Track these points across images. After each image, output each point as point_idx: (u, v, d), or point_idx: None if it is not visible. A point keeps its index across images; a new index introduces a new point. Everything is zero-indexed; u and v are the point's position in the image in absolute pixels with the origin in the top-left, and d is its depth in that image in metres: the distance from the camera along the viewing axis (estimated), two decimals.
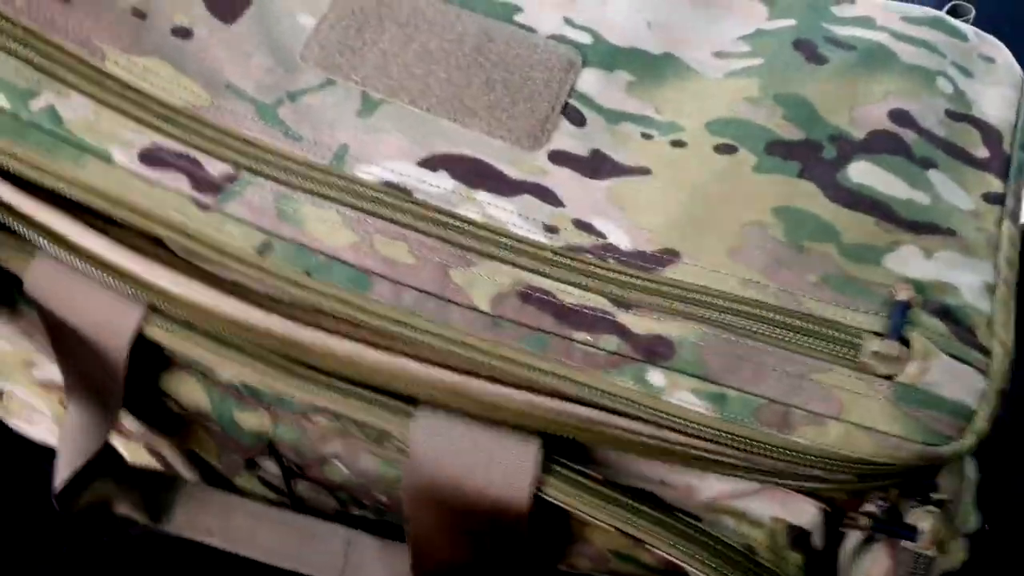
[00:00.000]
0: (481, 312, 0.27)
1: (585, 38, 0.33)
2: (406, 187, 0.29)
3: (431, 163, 0.30)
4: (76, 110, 0.29)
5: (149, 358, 0.32)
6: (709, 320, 0.27)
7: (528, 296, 0.28)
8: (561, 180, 0.30)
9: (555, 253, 0.28)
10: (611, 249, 0.29)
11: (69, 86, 0.29)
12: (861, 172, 0.30)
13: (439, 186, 0.29)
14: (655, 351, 0.27)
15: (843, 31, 0.33)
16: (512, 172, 0.30)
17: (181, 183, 0.28)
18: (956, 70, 0.33)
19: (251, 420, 0.33)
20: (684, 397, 0.26)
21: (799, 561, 0.30)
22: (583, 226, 0.29)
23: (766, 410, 0.26)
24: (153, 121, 0.29)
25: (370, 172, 0.29)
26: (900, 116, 0.31)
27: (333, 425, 0.32)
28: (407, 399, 0.29)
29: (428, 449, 0.29)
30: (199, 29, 0.31)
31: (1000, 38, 0.36)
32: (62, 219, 0.29)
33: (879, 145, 0.31)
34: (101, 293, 0.30)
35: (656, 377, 0.27)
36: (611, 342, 0.27)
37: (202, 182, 0.29)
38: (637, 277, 0.28)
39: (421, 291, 0.28)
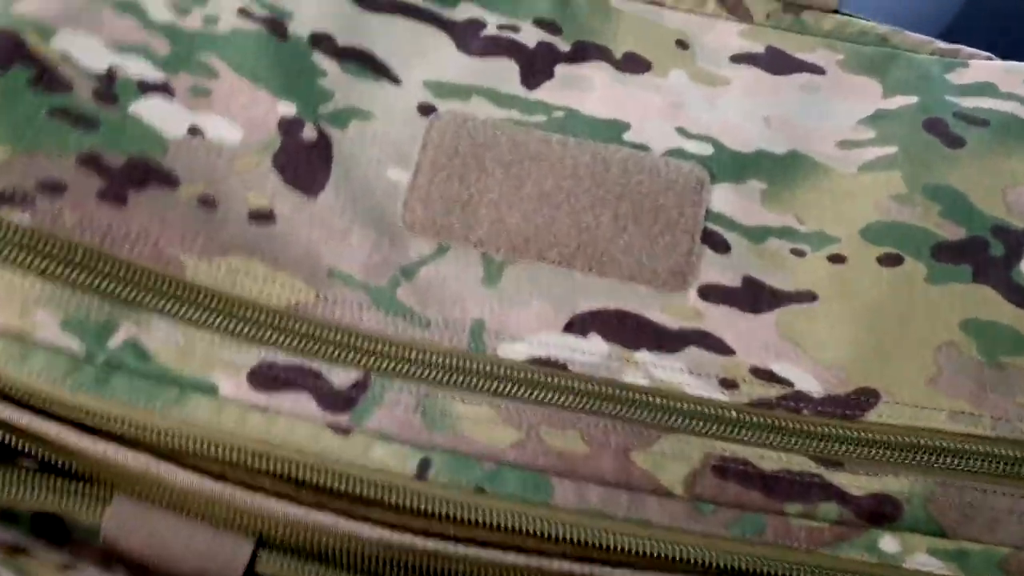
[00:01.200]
0: (678, 498, 0.24)
1: (706, 149, 0.29)
2: (559, 360, 0.25)
3: (579, 327, 0.26)
4: (163, 339, 0.24)
5: None
6: (929, 466, 0.25)
7: (725, 470, 0.24)
8: (721, 321, 0.26)
9: (740, 412, 0.25)
10: (802, 398, 0.25)
11: (149, 310, 0.25)
12: None
13: (594, 353, 0.26)
14: (882, 513, 0.24)
15: (968, 103, 0.30)
16: (667, 321, 0.26)
17: (305, 404, 0.24)
18: None
19: None
20: (923, 560, 0.24)
21: None
22: (763, 374, 0.26)
23: (1013, 560, 0.24)
24: (256, 333, 0.25)
25: (515, 350, 0.25)
26: None
27: None
28: None
29: None
30: (281, 208, 0.27)
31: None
32: (149, 459, 0.24)
33: None
34: (200, 535, 0.25)
35: (889, 543, 0.24)
36: (831, 511, 0.24)
37: (330, 398, 0.24)
38: (839, 427, 0.25)
39: (606, 484, 0.24)
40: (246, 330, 0.25)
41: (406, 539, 0.24)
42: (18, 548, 0.31)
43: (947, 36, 0.36)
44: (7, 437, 0.25)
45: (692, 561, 0.24)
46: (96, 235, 0.25)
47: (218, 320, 0.25)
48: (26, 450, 0.26)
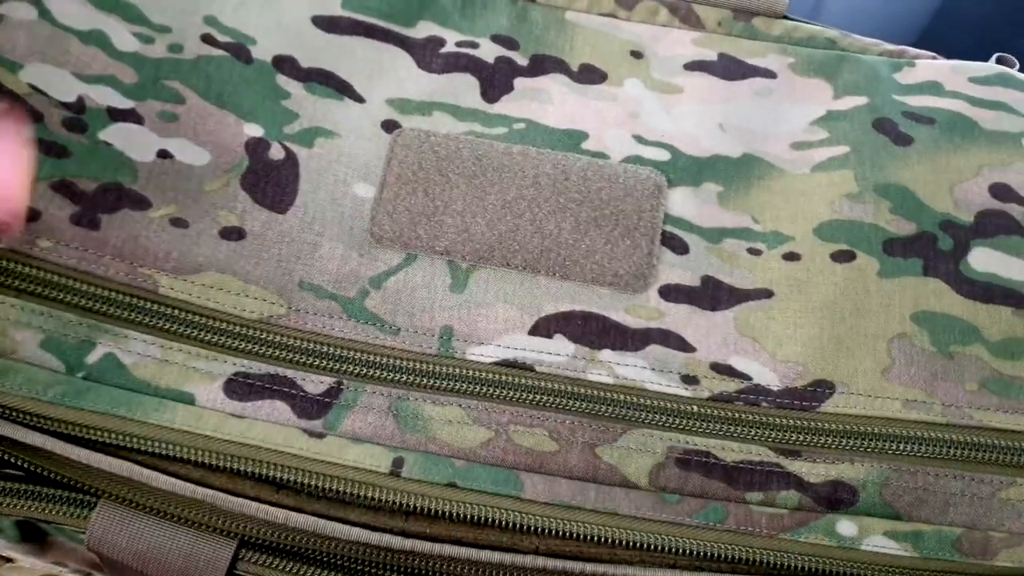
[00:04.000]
0: (643, 489, 0.25)
1: (662, 155, 0.30)
2: (526, 363, 0.26)
3: (544, 329, 0.27)
4: (139, 352, 0.25)
5: None
6: (883, 453, 0.26)
7: (687, 462, 0.25)
8: (682, 319, 0.27)
9: (701, 406, 0.26)
10: (761, 391, 0.26)
11: (126, 325, 0.26)
12: (982, 260, 0.28)
13: (559, 353, 0.27)
14: (838, 498, 0.25)
15: (916, 101, 0.32)
16: (629, 321, 0.27)
17: (281, 412, 0.25)
18: None
19: None
20: (879, 542, 0.25)
21: None
22: (723, 369, 0.27)
23: (965, 539, 0.25)
24: (230, 343, 0.26)
25: (482, 353, 0.26)
26: (1001, 190, 0.30)
27: None
28: None
29: None
30: (251, 225, 0.27)
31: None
32: (132, 467, 0.25)
33: (990, 227, 0.29)
34: (182, 537, 0.26)
35: (846, 527, 0.25)
36: (790, 498, 0.25)
37: (304, 405, 0.25)
38: (797, 418, 0.26)
39: (574, 478, 0.25)
40: (221, 342, 0.26)
41: (384, 538, 0.25)
42: (3, 557, 0.32)
43: (921, 43, 0.37)
44: None
45: (659, 548, 0.25)
46: (71, 258, 0.26)
47: (193, 332, 0.26)
48: (13, 460, 0.26)
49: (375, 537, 0.25)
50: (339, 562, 0.27)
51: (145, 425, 0.25)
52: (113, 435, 0.25)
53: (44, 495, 0.26)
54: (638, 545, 0.25)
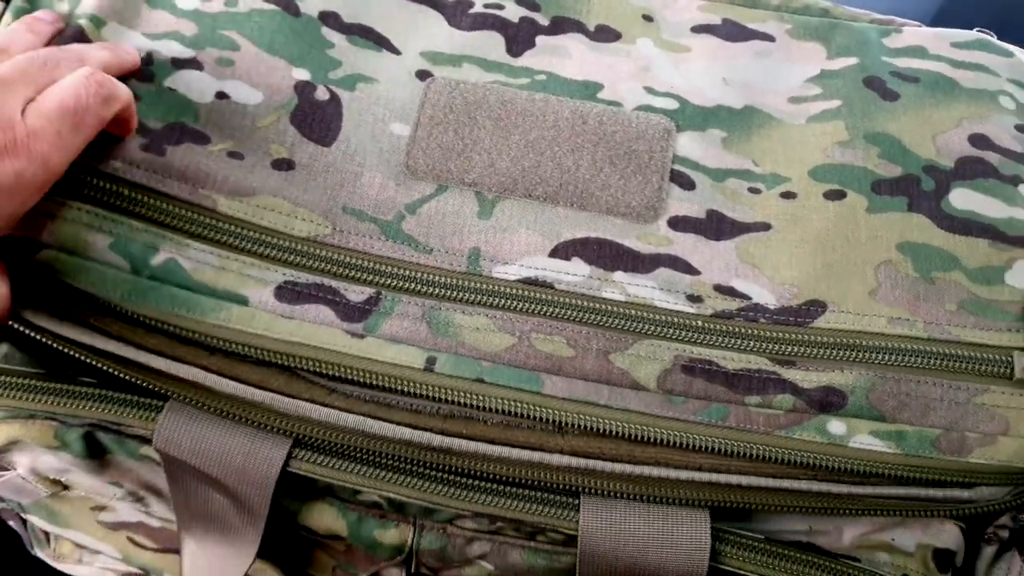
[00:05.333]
0: (651, 391, 0.28)
1: (671, 104, 0.33)
2: (546, 281, 0.29)
3: (562, 252, 0.30)
4: (198, 260, 0.28)
5: (283, 491, 0.31)
6: (871, 362, 0.28)
7: (692, 368, 0.28)
8: (688, 247, 0.30)
9: (705, 321, 0.29)
10: (759, 309, 0.29)
11: (187, 236, 0.28)
12: (961, 199, 0.31)
13: (576, 274, 0.29)
14: (829, 402, 0.28)
15: (902, 63, 0.35)
16: (640, 247, 0.30)
17: (325, 315, 0.28)
18: (1014, 86, 0.34)
19: (392, 536, 0.32)
20: (865, 441, 0.28)
21: None
22: (725, 290, 0.30)
23: (943, 439, 0.28)
24: (280, 256, 0.29)
25: (507, 272, 0.29)
26: (979, 140, 0.33)
27: (481, 527, 0.31)
28: (566, 491, 0.29)
29: (601, 535, 0.29)
30: (299, 156, 0.30)
31: None
32: (198, 372, 0.28)
33: (969, 171, 0.32)
34: (242, 437, 0.29)
35: (836, 426, 0.28)
36: (786, 401, 0.28)
37: (346, 310, 0.28)
38: (792, 333, 0.29)
39: (590, 381, 0.28)
40: (272, 254, 0.29)
41: (424, 436, 0.28)
42: (59, 482, 0.35)
43: None
44: (73, 354, 0.29)
45: (668, 443, 0.27)
46: (140, 177, 0.29)
47: (248, 246, 0.29)
48: (89, 364, 0.29)
49: (415, 435, 0.28)
50: (383, 460, 0.29)
51: (203, 323, 0.27)
52: (178, 330, 0.27)
53: (116, 399, 0.29)
54: (649, 439, 0.28)
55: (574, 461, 0.28)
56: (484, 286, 0.29)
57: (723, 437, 0.28)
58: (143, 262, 0.28)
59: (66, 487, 0.35)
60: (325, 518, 0.32)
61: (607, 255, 0.30)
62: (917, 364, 0.28)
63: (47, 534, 0.40)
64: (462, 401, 0.27)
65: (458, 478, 0.29)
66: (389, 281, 0.29)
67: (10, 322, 0.28)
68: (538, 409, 0.27)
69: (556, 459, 0.28)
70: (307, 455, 0.29)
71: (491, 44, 0.34)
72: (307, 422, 0.29)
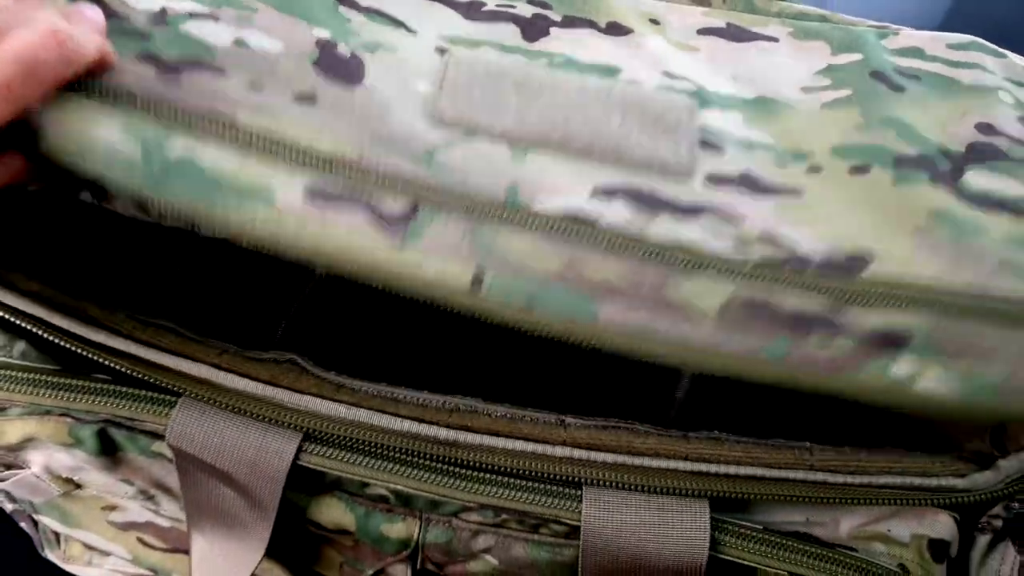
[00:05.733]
0: (710, 324, 0.27)
1: (690, 87, 0.33)
2: (588, 217, 0.28)
3: (603, 194, 0.28)
4: (217, 158, 0.26)
5: (292, 486, 0.32)
6: (929, 305, 0.28)
7: (751, 306, 0.27)
8: (728, 200, 0.29)
9: (754, 267, 0.28)
10: (804, 261, 0.28)
11: (205, 135, 0.26)
12: (977, 179, 0.31)
13: (618, 215, 0.28)
14: (891, 343, 0.27)
15: (903, 62, 0.35)
16: (681, 197, 0.29)
17: (361, 219, 0.26)
18: (1010, 83, 0.35)
19: (399, 530, 0.33)
20: (929, 385, 0.27)
21: (944, 574, 0.32)
22: (770, 240, 0.28)
23: (1004, 384, 0.27)
24: (308, 161, 0.26)
25: (548, 205, 0.28)
26: (985, 127, 0.33)
27: (486, 519, 0.32)
28: (569, 483, 0.30)
29: (603, 525, 0.29)
30: (323, 95, 0.28)
31: None
32: (209, 370, 0.29)
33: (980, 155, 0.32)
34: (253, 431, 0.29)
35: (900, 368, 0.27)
36: (847, 342, 0.27)
37: (383, 219, 0.26)
38: (841, 282, 0.28)
39: (645, 311, 0.27)
40: (299, 158, 0.26)
41: (430, 430, 0.29)
42: (72, 481, 0.35)
43: None
44: (86, 354, 0.29)
45: (729, 375, 0.27)
46: (152, 87, 0.27)
47: (273, 148, 0.26)
48: (103, 363, 0.30)
49: (423, 428, 0.29)
50: (391, 454, 0.30)
51: (227, 221, 0.26)
52: (202, 222, 0.25)
53: (130, 394, 0.30)
54: (709, 372, 0.27)
55: (575, 452, 0.29)
56: (525, 216, 0.27)
57: (784, 373, 0.27)
58: (158, 151, 0.26)
59: (79, 486, 0.36)
60: (333, 512, 0.33)
61: (648, 201, 0.29)
62: (971, 312, 0.28)
63: (57, 536, 0.40)
64: (511, 321, 0.26)
65: (464, 470, 0.30)
66: (427, 194, 0.27)
67: (21, 322, 0.29)
68: (593, 339, 0.26)
69: (559, 451, 0.29)
70: (317, 449, 0.30)
71: (507, 32, 0.34)
72: (317, 417, 0.29)
